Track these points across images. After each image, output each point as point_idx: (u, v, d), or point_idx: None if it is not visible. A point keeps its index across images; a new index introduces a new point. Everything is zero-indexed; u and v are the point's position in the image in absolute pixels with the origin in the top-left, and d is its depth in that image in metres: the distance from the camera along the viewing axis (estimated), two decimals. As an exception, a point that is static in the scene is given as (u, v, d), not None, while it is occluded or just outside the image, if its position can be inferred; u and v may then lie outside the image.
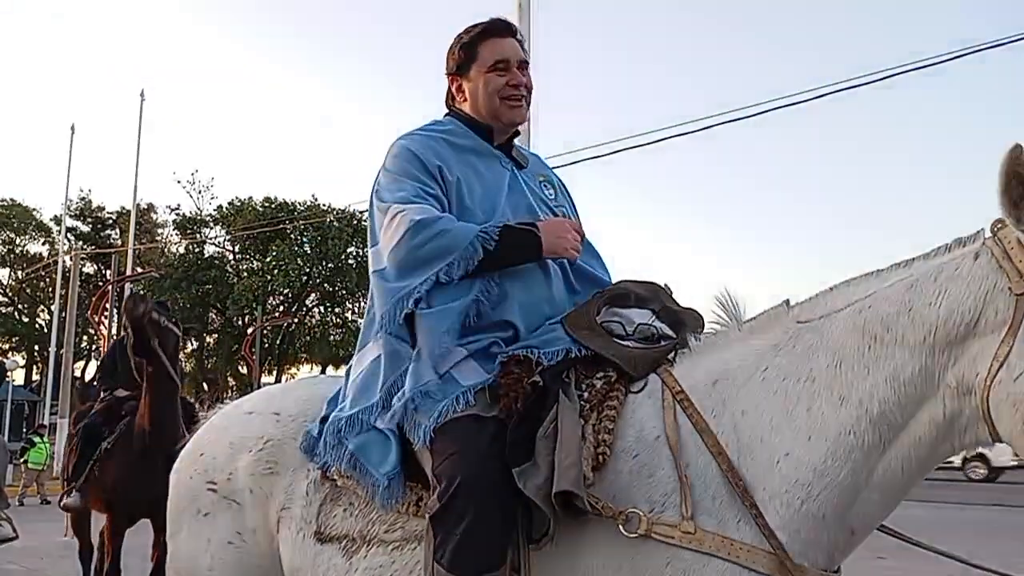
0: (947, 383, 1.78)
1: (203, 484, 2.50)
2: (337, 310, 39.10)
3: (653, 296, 2.25)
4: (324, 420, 2.31)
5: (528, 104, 2.40)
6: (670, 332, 2.16)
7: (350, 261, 36.90)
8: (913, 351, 1.80)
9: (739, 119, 13.04)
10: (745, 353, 2.01)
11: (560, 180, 2.57)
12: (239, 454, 2.46)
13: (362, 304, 38.78)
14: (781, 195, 65.85)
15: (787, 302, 2.06)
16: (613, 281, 2.41)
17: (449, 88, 2.45)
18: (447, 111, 2.47)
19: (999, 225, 1.77)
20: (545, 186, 2.47)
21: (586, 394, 2.03)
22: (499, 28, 2.39)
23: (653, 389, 2.03)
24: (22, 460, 19.87)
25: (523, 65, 2.38)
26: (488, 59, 2.35)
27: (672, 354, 2.11)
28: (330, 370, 40.64)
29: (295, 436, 2.39)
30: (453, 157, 2.30)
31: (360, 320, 39.61)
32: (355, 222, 36.05)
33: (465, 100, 2.40)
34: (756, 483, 1.86)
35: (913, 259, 1.91)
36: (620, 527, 1.84)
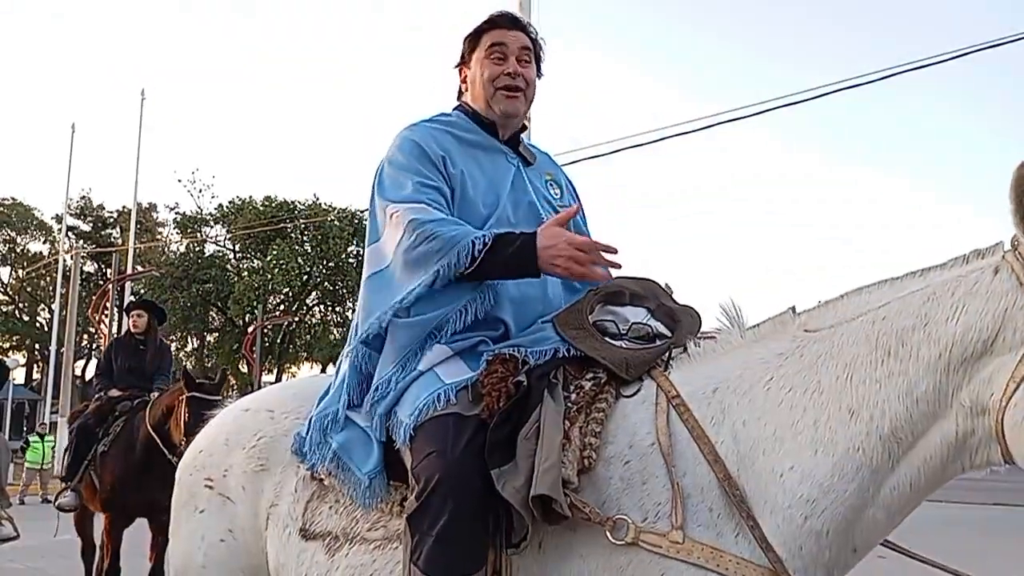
0: (961, 402, 1.73)
1: (201, 481, 2.51)
2: (338, 309, 39.04)
3: (649, 293, 2.19)
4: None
5: (528, 98, 2.35)
6: (665, 331, 2.11)
7: (351, 260, 36.82)
8: (928, 367, 1.74)
9: (739, 119, 13.02)
10: (748, 361, 1.94)
11: (568, 179, 2.54)
12: (234, 451, 2.46)
13: (363, 303, 38.74)
14: (782, 196, 65.87)
15: (793, 309, 1.99)
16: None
17: (459, 82, 2.44)
18: (456, 104, 2.45)
19: (1019, 240, 1.70)
20: (551, 185, 2.43)
21: (574, 395, 1.96)
22: (504, 21, 2.37)
23: (647, 394, 1.97)
24: (23, 459, 19.88)
25: (525, 53, 2.33)
26: (486, 45, 2.33)
27: (667, 354, 2.05)
28: (330, 369, 40.56)
29: (287, 433, 2.37)
30: (457, 149, 2.27)
31: (360, 319, 39.45)
32: (356, 221, 35.97)
33: (468, 90, 2.39)
34: (757, 496, 1.79)
35: (929, 268, 1.85)
36: (607, 534, 1.78)
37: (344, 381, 2.23)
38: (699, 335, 2.13)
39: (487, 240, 2.03)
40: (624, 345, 2.06)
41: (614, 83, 69.30)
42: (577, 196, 2.52)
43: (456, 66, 2.42)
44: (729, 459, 1.83)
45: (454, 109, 2.43)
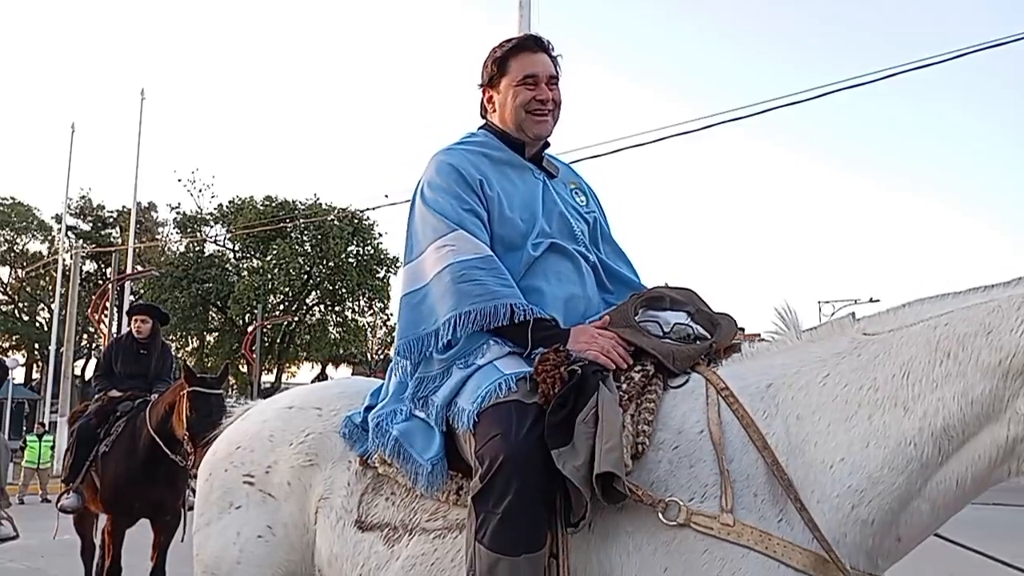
0: (1015, 409, 1.80)
1: (239, 477, 2.53)
2: (337, 309, 39.07)
3: (688, 300, 2.31)
4: (369, 409, 2.40)
5: (555, 118, 2.45)
6: (705, 333, 2.22)
7: (351, 260, 36.86)
8: (986, 373, 1.82)
9: (739, 119, 13.05)
10: (805, 359, 2.04)
11: (590, 187, 2.64)
12: (279, 447, 2.50)
13: (362, 303, 38.79)
14: (781, 196, 65.83)
15: (853, 315, 2.10)
16: (642, 283, 2.47)
17: (482, 99, 2.52)
18: (482, 123, 2.53)
19: None
20: (576, 193, 2.54)
21: (624, 386, 2.07)
22: (530, 44, 2.45)
23: (695, 386, 2.08)
24: (21, 459, 19.84)
25: (552, 80, 2.43)
26: (517, 74, 2.41)
27: (710, 351, 2.16)
28: (330, 368, 40.62)
29: (336, 430, 2.45)
30: (491, 170, 2.37)
31: (360, 319, 38.99)
32: (356, 221, 36.01)
33: (495, 111, 2.47)
34: (805, 485, 1.88)
35: (993, 285, 1.93)
36: (659, 515, 1.88)
37: (397, 389, 2.34)
38: (743, 338, 2.25)
39: (527, 317, 2.17)
40: (668, 342, 2.18)
41: (614, 82, 69.23)
42: (599, 201, 2.64)
43: (481, 86, 2.50)
44: (779, 449, 1.92)
45: (480, 128, 2.52)
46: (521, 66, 2.41)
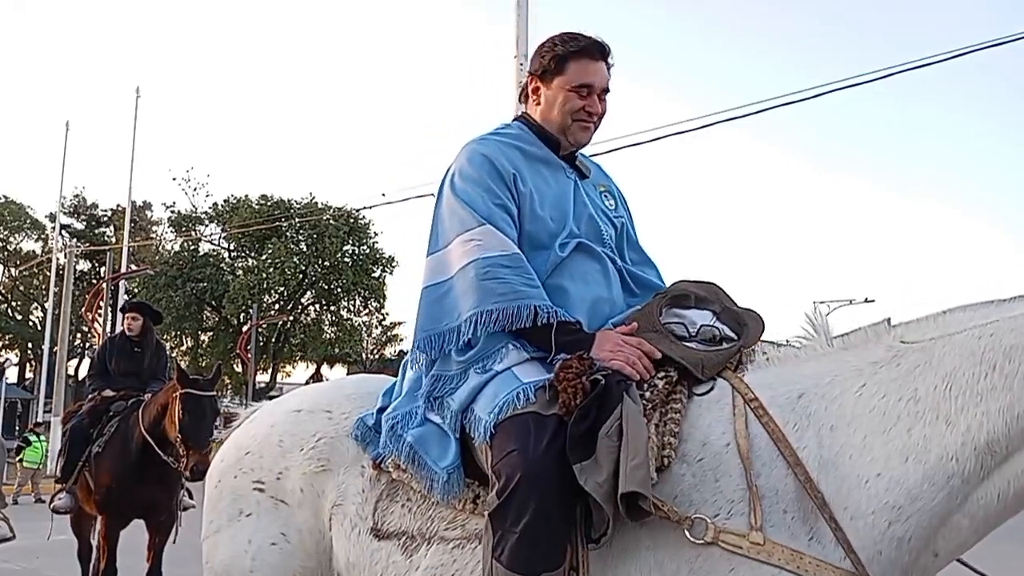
0: None
1: (249, 484, 2.47)
2: (333, 308, 39.02)
3: (713, 296, 2.23)
4: (381, 410, 2.34)
5: (596, 128, 2.40)
6: (731, 333, 2.14)
7: (346, 259, 36.82)
8: None
9: (737, 119, 13.04)
10: (839, 368, 1.96)
11: (620, 189, 2.58)
12: (290, 453, 2.44)
13: (357, 303, 38.76)
14: (778, 195, 65.93)
15: (888, 321, 2.02)
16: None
17: (526, 86, 2.45)
18: (518, 113, 2.47)
19: None
20: (605, 196, 2.49)
21: (648, 394, 2.01)
22: (594, 51, 2.36)
23: (722, 394, 2.01)
24: (18, 459, 19.74)
25: (604, 93, 2.37)
26: (574, 79, 2.33)
27: (738, 356, 2.09)
28: (325, 368, 40.57)
29: (348, 434, 2.39)
30: (525, 166, 2.31)
31: (355, 319, 38.92)
32: (352, 220, 35.97)
33: (538, 105, 2.40)
34: (838, 501, 1.81)
35: None
36: (686, 532, 1.81)
37: (412, 386, 2.28)
38: (767, 340, 2.16)
39: (551, 320, 2.10)
40: (695, 346, 2.10)
41: (612, 81, 69.13)
42: (627, 204, 2.58)
43: (529, 73, 2.44)
44: (810, 464, 1.84)
45: (515, 120, 2.46)
46: (579, 72, 2.33)
